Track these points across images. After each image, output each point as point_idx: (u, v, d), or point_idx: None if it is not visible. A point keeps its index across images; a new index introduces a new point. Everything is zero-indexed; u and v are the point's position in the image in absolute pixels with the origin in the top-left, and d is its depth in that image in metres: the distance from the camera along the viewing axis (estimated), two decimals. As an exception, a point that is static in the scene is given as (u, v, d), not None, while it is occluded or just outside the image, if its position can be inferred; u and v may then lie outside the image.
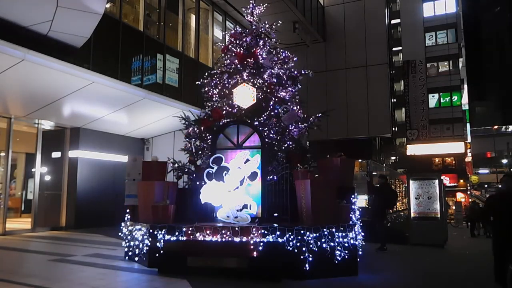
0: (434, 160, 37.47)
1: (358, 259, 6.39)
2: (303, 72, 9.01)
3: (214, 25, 16.03)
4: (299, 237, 5.84)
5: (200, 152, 8.22)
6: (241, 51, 8.49)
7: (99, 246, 8.79)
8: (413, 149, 36.99)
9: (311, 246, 5.84)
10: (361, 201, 11.46)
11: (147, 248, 6.46)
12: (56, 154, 12.53)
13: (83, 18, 8.85)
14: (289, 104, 8.28)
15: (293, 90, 8.74)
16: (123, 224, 7.41)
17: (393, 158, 39.77)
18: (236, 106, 8.04)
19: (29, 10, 8.22)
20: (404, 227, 12.30)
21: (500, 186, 6.96)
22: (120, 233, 7.45)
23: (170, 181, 7.48)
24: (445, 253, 10.35)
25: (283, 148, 7.97)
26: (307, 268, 5.77)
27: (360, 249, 6.77)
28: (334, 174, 6.85)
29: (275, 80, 8.46)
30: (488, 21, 77.87)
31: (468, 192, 38.47)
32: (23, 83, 9.42)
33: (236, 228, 5.97)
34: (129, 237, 7.10)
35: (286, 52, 9.17)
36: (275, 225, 5.95)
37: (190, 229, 6.12)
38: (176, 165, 8.17)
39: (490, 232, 16.73)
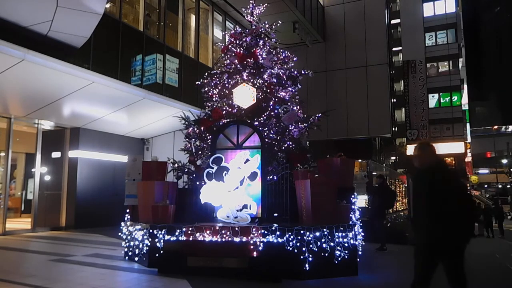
0: (434, 160, 37.42)
1: (358, 259, 6.39)
2: (303, 72, 9.01)
3: (214, 25, 16.03)
4: (299, 237, 5.84)
5: (200, 152, 8.23)
6: (241, 51, 8.49)
7: (99, 246, 8.79)
8: (413, 149, 36.96)
9: (311, 246, 5.85)
10: (361, 201, 11.45)
11: (147, 248, 6.46)
12: (56, 154, 12.54)
13: (83, 18, 8.84)
14: (289, 104, 8.28)
15: (293, 90, 8.74)
16: (123, 224, 7.41)
17: (393, 158, 39.77)
18: (236, 106, 8.04)
19: (29, 10, 8.21)
20: (404, 227, 12.29)
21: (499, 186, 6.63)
22: (120, 233, 7.45)
23: (170, 181, 7.48)
24: (445, 253, 10.33)
25: (283, 148, 7.97)
26: (307, 268, 5.77)
27: (360, 249, 6.78)
28: (334, 174, 6.86)
29: (275, 80, 8.46)
30: (488, 21, 77.87)
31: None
32: (23, 83, 9.42)
33: (236, 228, 5.96)
34: (129, 237, 7.10)
35: (286, 52, 9.17)
36: (275, 225, 5.95)
37: (190, 229, 6.12)
38: (176, 165, 8.17)
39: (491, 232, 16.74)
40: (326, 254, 5.93)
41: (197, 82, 9.12)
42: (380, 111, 21.14)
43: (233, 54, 8.60)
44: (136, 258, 6.77)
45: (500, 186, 52.22)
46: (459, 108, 38.49)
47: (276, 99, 8.22)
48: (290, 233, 5.84)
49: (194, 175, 7.92)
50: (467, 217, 3.62)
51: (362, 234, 7.03)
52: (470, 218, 3.76)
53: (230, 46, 8.76)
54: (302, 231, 5.87)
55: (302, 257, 5.79)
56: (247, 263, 5.77)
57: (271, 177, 7.28)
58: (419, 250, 3.67)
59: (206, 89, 8.77)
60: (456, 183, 3.74)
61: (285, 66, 8.92)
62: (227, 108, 8.20)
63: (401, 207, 17.01)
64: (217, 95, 8.59)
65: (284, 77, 8.72)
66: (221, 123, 7.81)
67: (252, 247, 5.80)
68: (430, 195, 3.58)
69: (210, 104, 8.70)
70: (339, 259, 6.01)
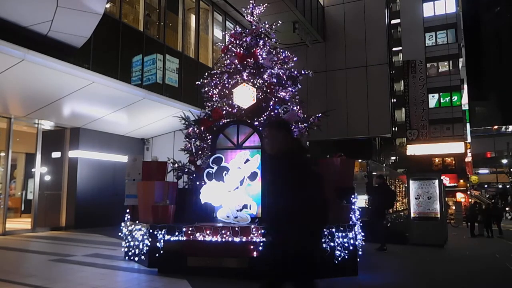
0: (434, 160, 37.48)
1: (358, 259, 6.39)
2: (303, 72, 9.00)
3: (214, 25, 16.03)
4: (299, 237, 5.83)
5: (200, 152, 8.22)
6: (241, 51, 8.49)
7: (99, 246, 8.79)
8: (413, 149, 36.99)
9: (311, 246, 5.83)
10: (361, 201, 11.46)
11: (147, 248, 6.46)
12: (56, 154, 12.54)
13: (83, 18, 8.85)
14: (289, 104, 8.27)
15: (293, 90, 8.73)
16: (123, 224, 7.41)
17: (393, 158, 39.78)
18: (236, 106, 8.04)
19: (29, 10, 8.21)
20: (404, 227, 12.30)
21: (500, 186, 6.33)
22: (120, 233, 7.45)
23: (170, 181, 7.48)
24: (445, 253, 10.35)
25: (283, 148, 7.95)
26: (307, 268, 5.76)
27: (360, 249, 6.78)
28: (334, 174, 6.85)
29: (275, 80, 8.45)
30: (488, 21, 77.87)
31: (468, 192, 38.47)
32: (23, 83, 9.42)
33: (236, 228, 5.96)
34: (129, 237, 7.10)
35: (286, 52, 9.16)
36: (275, 225, 5.94)
37: (190, 229, 6.12)
38: (176, 165, 8.17)
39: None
40: (326, 254, 5.93)
41: (197, 82, 9.12)
42: (380, 111, 21.14)
43: (233, 54, 8.59)
44: (136, 258, 6.77)
45: (500, 186, 52.22)
46: (459, 108, 38.52)
47: (276, 99, 8.21)
48: (290, 233, 5.83)
49: (194, 175, 7.92)
50: (308, 224, 2.74)
51: (362, 234, 7.03)
52: (313, 225, 2.78)
53: (230, 46, 8.75)
54: (302, 231, 5.86)
55: (302, 257, 5.78)
56: (247, 263, 5.77)
57: (271, 177, 7.27)
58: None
59: (206, 89, 8.76)
60: (303, 176, 2.83)
61: (285, 66, 8.91)
62: (227, 108, 8.19)
63: (401, 207, 17.01)
64: (217, 95, 8.58)
65: (284, 77, 8.71)
66: (221, 123, 7.81)
67: (252, 247, 5.79)
68: (273, 190, 2.84)
69: (210, 104, 8.70)
70: (339, 259, 6.01)
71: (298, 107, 8.61)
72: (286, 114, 7.85)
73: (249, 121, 7.62)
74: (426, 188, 11.34)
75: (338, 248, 6.04)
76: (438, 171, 31.76)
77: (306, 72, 9.01)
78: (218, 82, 8.64)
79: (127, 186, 7.67)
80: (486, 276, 7.35)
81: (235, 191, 6.63)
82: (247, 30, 9.00)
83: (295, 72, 8.93)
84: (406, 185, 13.21)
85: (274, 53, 8.85)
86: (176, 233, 6.17)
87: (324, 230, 2.84)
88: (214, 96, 8.63)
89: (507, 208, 37.52)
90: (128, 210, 7.45)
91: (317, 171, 3.00)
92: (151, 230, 6.37)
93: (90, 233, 11.12)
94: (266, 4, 9.53)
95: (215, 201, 6.72)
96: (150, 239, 6.39)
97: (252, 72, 8.35)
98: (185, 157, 8.42)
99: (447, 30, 38.30)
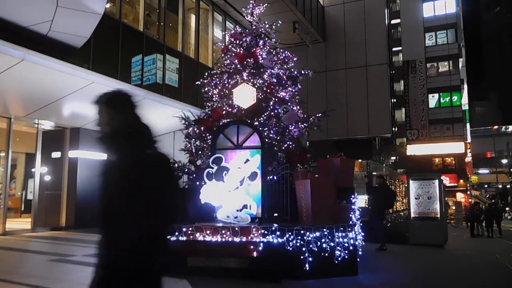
0: (434, 160, 37.47)
1: (358, 259, 6.39)
2: (303, 72, 9.01)
3: (214, 25, 16.03)
4: (299, 237, 5.84)
5: (200, 152, 8.23)
6: (241, 51, 8.49)
7: (99, 246, 8.78)
8: (413, 149, 36.99)
9: (311, 246, 5.84)
10: (361, 201, 11.46)
11: (147, 248, 6.45)
12: (56, 154, 12.52)
13: (83, 18, 8.85)
14: (289, 104, 8.28)
15: (293, 90, 8.74)
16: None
17: (393, 158, 39.79)
18: (236, 106, 8.04)
19: (29, 10, 8.22)
20: (404, 227, 12.30)
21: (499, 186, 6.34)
22: (120, 233, 7.44)
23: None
24: (445, 253, 10.35)
25: (283, 148, 7.97)
26: (307, 268, 5.77)
27: (360, 249, 6.78)
28: (334, 174, 6.86)
29: (275, 80, 8.46)
30: (488, 21, 77.91)
31: (468, 192, 38.47)
32: (23, 83, 9.42)
33: (236, 228, 5.96)
34: (129, 237, 7.09)
35: (286, 52, 9.17)
36: (275, 225, 5.95)
37: (190, 229, 6.12)
38: (176, 165, 8.17)
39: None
40: (326, 254, 5.93)
41: (197, 82, 9.13)
42: (380, 111, 21.16)
43: (233, 54, 8.60)
44: (136, 258, 6.76)
45: (500, 186, 52.25)
46: (459, 108, 38.51)
47: (276, 99, 8.22)
48: (290, 233, 5.84)
49: (194, 175, 7.92)
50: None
51: (362, 234, 7.03)
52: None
53: (230, 46, 8.76)
54: (302, 231, 5.87)
55: (302, 257, 5.79)
56: (247, 263, 5.77)
57: (271, 177, 7.28)
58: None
59: (206, 89, 8.77)
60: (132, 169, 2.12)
61: (285, 66, 8.92)
62: (227, 108, 8.20)
63: (401, 207, 17.01)
64: (217, 95, 8.59)
65: (284, 77, 8.72)
66: (221, 123, 7.81)
67: (252, 247, 5.79)
68: (101, 186, 2.22)
69: (210, 104, 8.70)
70: (339, 259, 6.01)
71: (298, 107, 8.61)
72: (286, 114, 7.86)
73: (249, 121, 7.62)
74: (426, 188, 11.33)
75: (338, 248, 6.04)
76: (438, 171, 31.72)
77: (306, 72, 9.02)
78: (218, 82, 8.64)
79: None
80: (486, 276, 7.35)
81: (235, 191, 6.63)
82: (247, 30, 9.01)
83: (295, 72, 8.94)
84: (406, 185, 13.21)
85: (274, 53, 8.86)
86: (176, 233, 6.17)
87: (168, 233, 2.14)
88: (214, 96, 8.64)
89: (507, 208, 37.52)
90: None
91: (164, 158, 2.27)
92: (151, 230, 6.36)
93: (90, 233, 11.11)
94: (266, 4, 9.53)
95: (215, 201, 6.71)
96: (150, 239, 6.37)
97: (252, 72, 8.35)
98: (185, 157, 8.42)
99: (447, 30, 38.29)
